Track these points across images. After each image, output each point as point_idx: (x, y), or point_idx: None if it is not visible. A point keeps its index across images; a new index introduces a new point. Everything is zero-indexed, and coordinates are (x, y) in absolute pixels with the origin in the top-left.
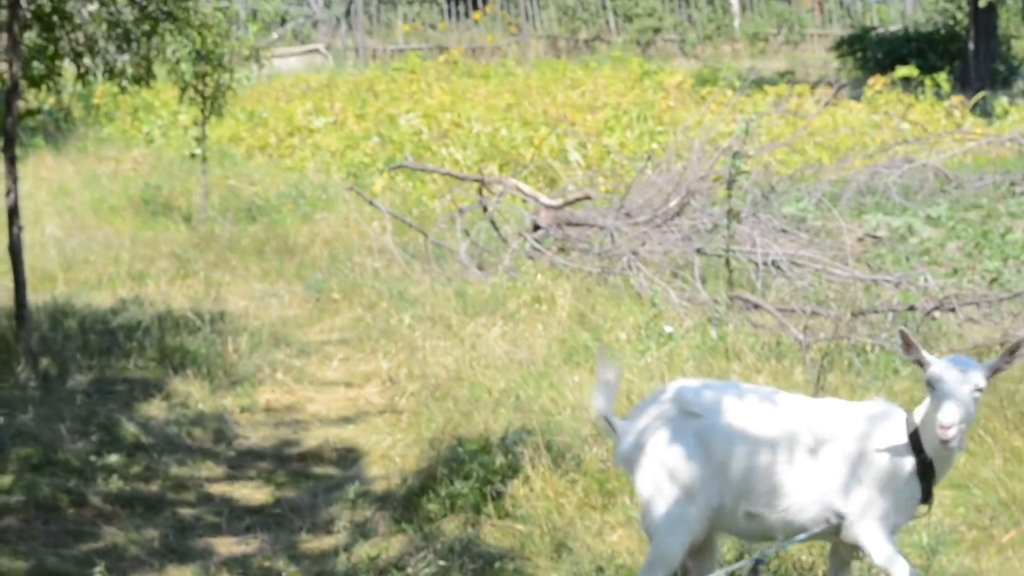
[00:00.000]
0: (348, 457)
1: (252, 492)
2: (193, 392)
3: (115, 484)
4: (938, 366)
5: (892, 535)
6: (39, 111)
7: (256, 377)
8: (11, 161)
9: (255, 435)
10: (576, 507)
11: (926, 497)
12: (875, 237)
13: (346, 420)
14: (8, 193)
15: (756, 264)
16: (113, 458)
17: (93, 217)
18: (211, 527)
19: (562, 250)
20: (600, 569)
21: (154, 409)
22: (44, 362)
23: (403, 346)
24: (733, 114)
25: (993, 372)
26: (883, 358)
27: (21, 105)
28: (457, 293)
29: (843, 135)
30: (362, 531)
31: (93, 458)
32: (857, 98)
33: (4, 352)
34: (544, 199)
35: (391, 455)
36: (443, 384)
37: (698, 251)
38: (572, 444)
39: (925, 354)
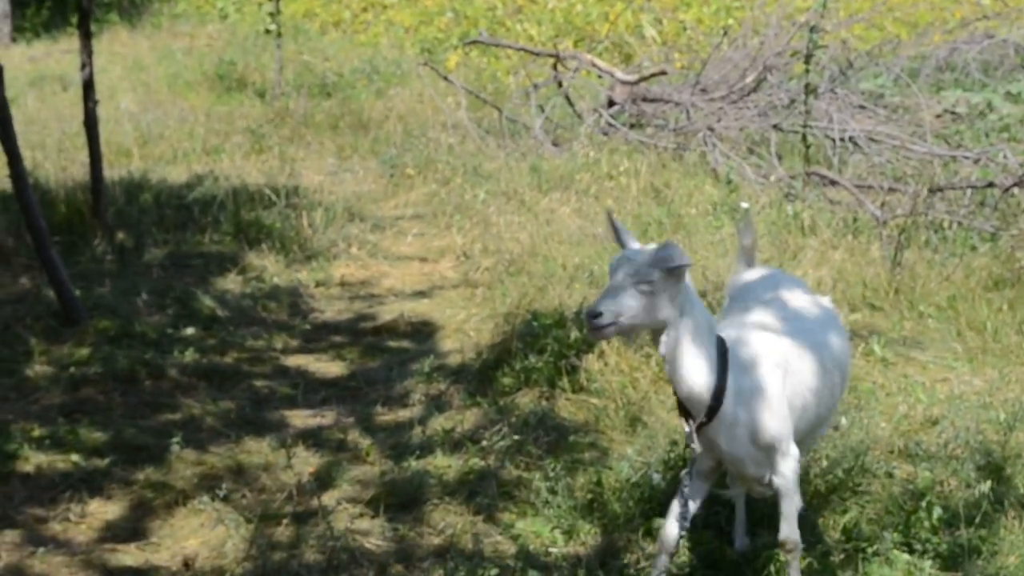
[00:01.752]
0: (423, 331)
1: (327, 365)
2: (268, 266)
3: (191, 356)
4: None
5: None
6: None
7: (331, 252)
8: (86, 36)
9: (330, 309)
10: (650, 382)
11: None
12: (954, 113)
13: (420, 294)
14: (83, 68)
15: (833, 140)
16: (189, 331)
17: (168, 92)
18: (286, 399)
19: (637, 126)
20: (674, 443)
21: (229, 283)
22: (120, 236)
23: (477, 221)
24: None
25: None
26: (960, 234)
27: None
28: (531, 168)
29: (922, 10)
30: (437, 404)
31: (170, 331)
32: None
33: (81, 226)
34: (619, 74)
35: (465, 329)
36: (517, 259)
37: (774, 127)
38: None
39: (626, 238)
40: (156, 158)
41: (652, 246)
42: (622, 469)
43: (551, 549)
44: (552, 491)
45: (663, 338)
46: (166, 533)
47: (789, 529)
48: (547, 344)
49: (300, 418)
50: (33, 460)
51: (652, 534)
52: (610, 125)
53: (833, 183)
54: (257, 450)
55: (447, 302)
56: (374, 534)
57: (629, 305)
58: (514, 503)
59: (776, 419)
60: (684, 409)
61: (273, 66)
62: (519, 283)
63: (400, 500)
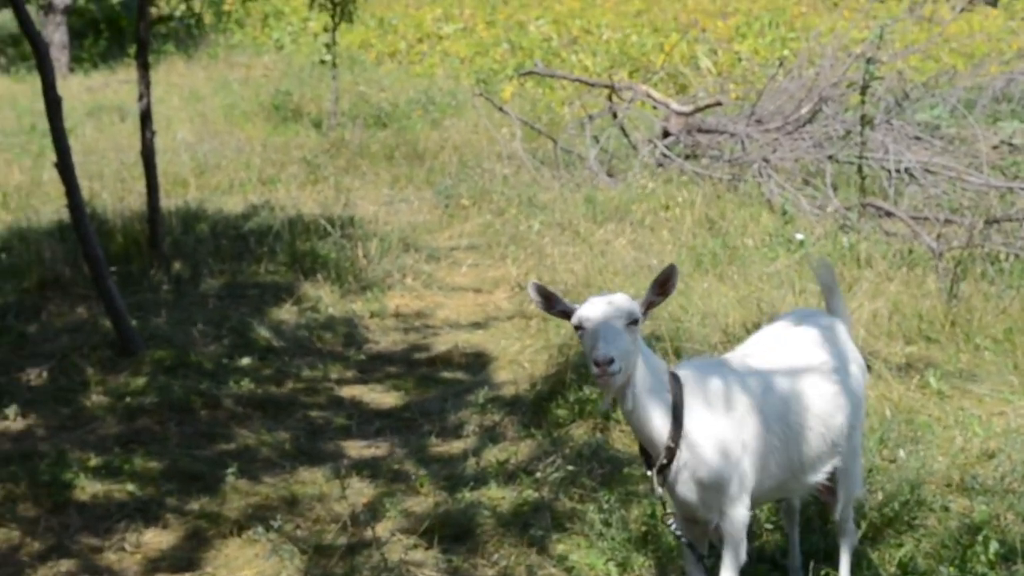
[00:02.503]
0: (477, 362)
1: (382, 396)
2: (323, 296)
3: (247, 386)
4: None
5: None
6: (171, 18)
7: (385, 282)
8: (144, 67)
9: (385, 339)
10: None
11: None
12: (1011, 144)
13: (475, 325)
14: (141, 98)
15: (888, 171)
16: (245, 361)
17: (224, 123)
18: (341, 430)
19: (692, 156)
20: None
21: (285, 313)
22: (177, 266)
23: (532, 252)
24: (866, 20)
25: (648, 307)
26: (1018, 266)
27: (153, 12)
28: (586, 199)
29: (978, 41)
30: (491, 435)
31: (225, 361)
32: (993, 4)
33: (137, 256)
34: (674, 105)
35: (520, 360)
36: (572, 290)
37: (830, 158)
38: (701, 350)
39: (563, 301)
40: (212, 188)
41: (619, 294)
42: None
43: None
44: (606, 523)
45: (626, 389)
46: (220, 563)
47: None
48: None
49: (355, 449)
50: (89, 489)
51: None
52: (665, 156)
53: (889, 214)
54: (311, 480)
55: (501, 333)
56: (428, 565)
57: (626, 349)
58: (568, 535)
59: (727, 461)
60: (645, 452)
61: (329, 96)
62: None
63: (454, 531)
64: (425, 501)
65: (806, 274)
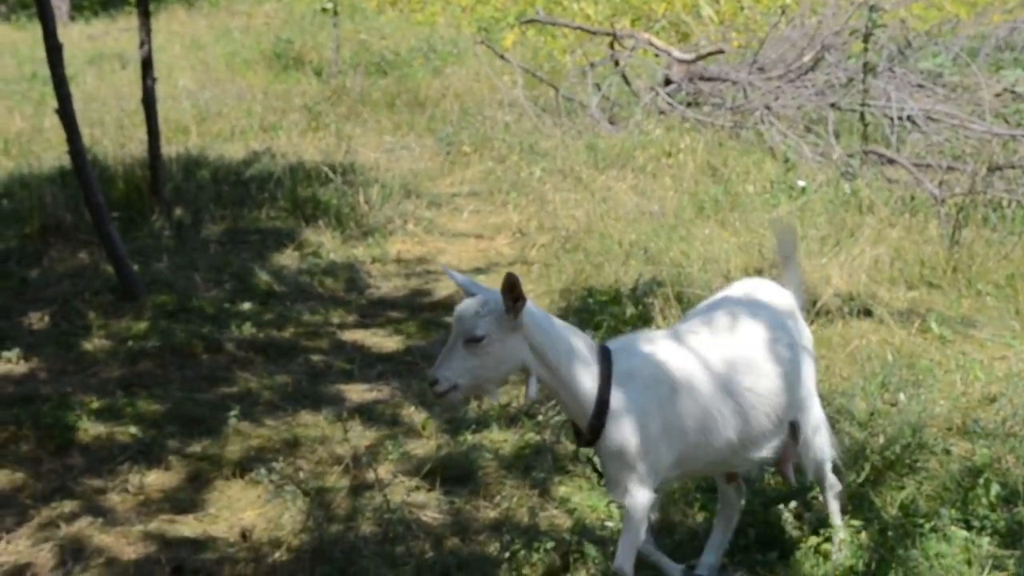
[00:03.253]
0: None
1: (383, 340)
2: (325, 242)
3: (248, 331)
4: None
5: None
6: None
7: (387, 228)
8: (145, 15)
9: (386, 285)
10: None
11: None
12: (1013, 92)
13: (477, 271)
14: (142, 46)
15: (891, 119)
16: (246, 305)
17: (225, 71)
18: (343, 374)
19: (693, 104)
20: None
21: (286, 258)
22: (178, 212)
23: (533, 199)
24: None
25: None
26: (1019, 213)
27: None
28: (587, 147)
29: None
30: None
31: (227, 305)
32: None
33: (139, 202)
34: (676, 53)
35: None
36: (573, 236)
37: (832, 106)
38: (703, 295)
39: (470, 287)
40: (214, 135)
41: (467, 304)
42: None
43: (607, 523)
44: None
45: (530, 380)
46: (223, 505)
47: (621, 559)
48: (603, 320)
49: (356, 392)
50: (91, 431)
51: (707, 508)
52: (667, 104)
53: (891, 162)
54: (313, 423)
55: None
56: (430, 507)
57: (465, 367)
58: (570, 477)
59: (641, 437)
60: (575, 427)
61: (330, 44)
62: (575, 260)
63: (456, 474)
64: (427, 444)
65: (808, 220)
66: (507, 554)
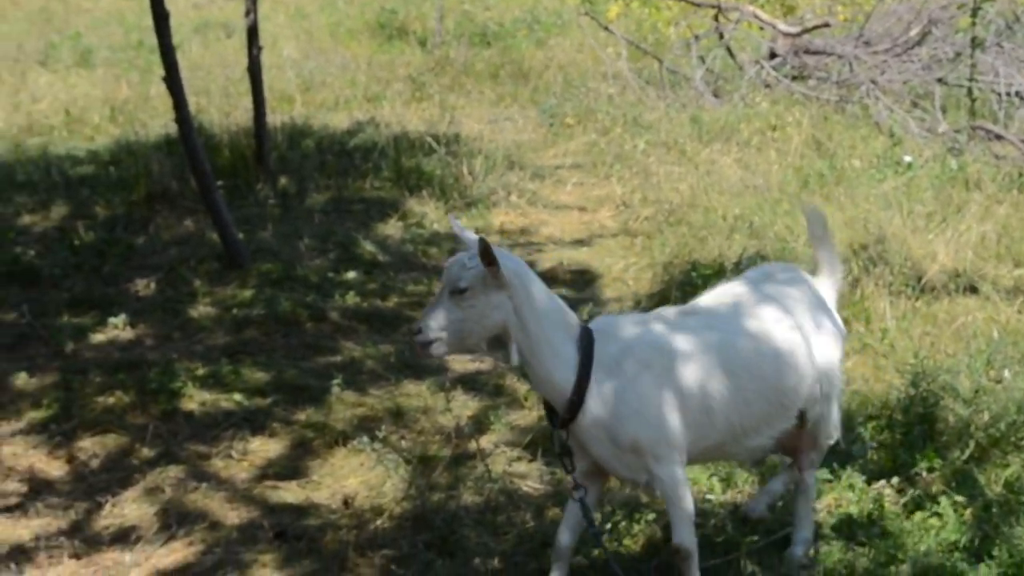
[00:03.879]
0: (581, 279)
1: None
2: (428, 212)
3: (352, 300)
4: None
5: None
6: None
7: (490, 199)
8: None
9: None
10: None
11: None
12: None
13: (580, 243)
14: (247, 15)
15: (999, 95)
16: (350, 275)
17: (330, 40)
18: None
19: (799, 78)
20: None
21: (390, 228)
22: (283, 181)
23: (637, 171)
24: None
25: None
26: None
27: None
28: (692, 119)
29: None
30: None
31: (331, 274)
32: None
33: (244, 171)
34: (781, 26)
35: (624, 278)
36: (677, 209)
37: (939, 81)
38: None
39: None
40: (318, 105)
41: (458, 257)
42: None
43: (708, 496)
44: None
45: (512, 346)
46: (326, 472)
47: (678, 535)
48: None
49: (459, 363)
50: (197, 398)
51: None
52: (772, 77)
53: (999, 138)
54: (416, 393)
55: (606, 251)
56: (531, 477)
57: (449, 319)
58: None
59: (643, 421)
60: (548, 405)
61: (434, 15)
62: (678, 233)
63: None
64: (529, 415)
65: (914, 196)
66: (608, 525)
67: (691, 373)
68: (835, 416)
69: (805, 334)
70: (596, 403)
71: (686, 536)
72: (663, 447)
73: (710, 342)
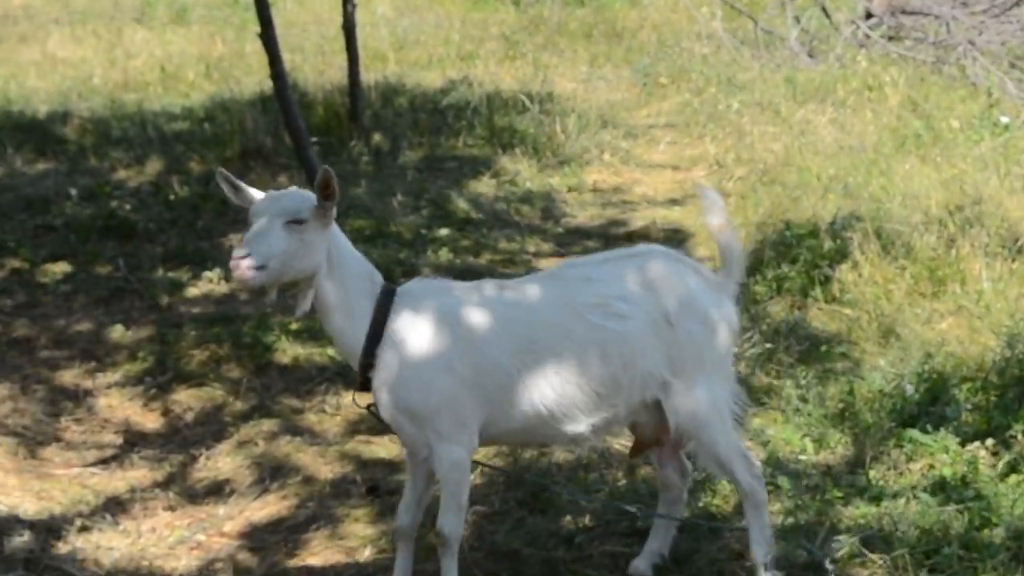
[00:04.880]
0: (675, 238)
1: None
2: (521, 170)
3: (445, 256)
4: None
5: None
6: None
7: (583, 158)
8: None
9: (582, 214)
10: (905, 294)
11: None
12: None
13: (673, 202)
14: None
15: None
16: (443, 231)
17: None
18: None
19: (895, 38)
20: (929, 356)
21: (483, 186)
22: (376, 138)
23: (731, 131)
24: None
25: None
26: None
27: None
28: (786, 80)
29: None
30: None
31: (424, 231)
32: None
33: (338, 128)
34: None
35: None
36: (771, 169)
37: None
38: (902, 231)
39: (248, 191)
40: (411, 63)
41: (293, 189)
42: (874, 380)
43: (801, 456)
44: (803, 399)
45: (308, 292)
46: None
47: (442, 519)
48: (800, 254)
49: None
50: (290, 352)
51: (903, 445)
52: (867, 37)
53: None
54: None
55: (699, 210)
56: (623, 435)
57: (281, 248)
58: (765, 410)
59: (424, 392)
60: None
61: None
62: (772, 193)
63: None
64: None
65: (1012, 157)
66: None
67: (487, 348)
68: (724, 441)
69: (640, 324)
70: (383, 367)
71: (450, 522)
72: (445, 423)
73: (514, 318)
